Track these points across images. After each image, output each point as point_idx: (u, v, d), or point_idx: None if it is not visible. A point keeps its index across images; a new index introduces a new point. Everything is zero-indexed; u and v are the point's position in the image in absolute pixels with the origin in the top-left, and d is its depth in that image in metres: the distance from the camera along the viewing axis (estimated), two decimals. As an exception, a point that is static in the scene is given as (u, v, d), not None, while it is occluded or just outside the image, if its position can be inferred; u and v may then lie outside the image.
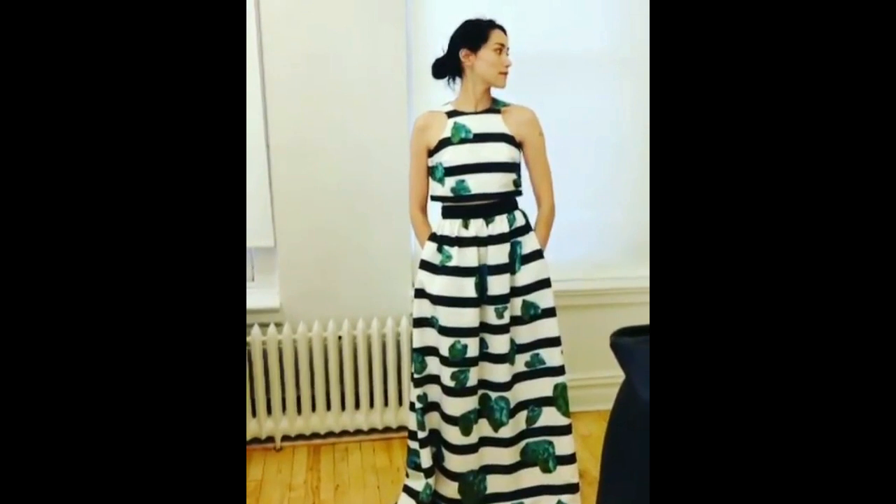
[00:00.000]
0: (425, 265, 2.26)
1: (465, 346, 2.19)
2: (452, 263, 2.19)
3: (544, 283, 2.26)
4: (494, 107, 2.25)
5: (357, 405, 2.90)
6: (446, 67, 2.25)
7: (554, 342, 2.28)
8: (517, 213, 2.25)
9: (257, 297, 2.89)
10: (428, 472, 2.25)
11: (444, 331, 2.20)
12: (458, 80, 2.25)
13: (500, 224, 2.20)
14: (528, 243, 2.24)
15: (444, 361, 2.22)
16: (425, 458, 2.25)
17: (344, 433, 2.93)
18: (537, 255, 2.26)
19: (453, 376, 2.20)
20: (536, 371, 2.29)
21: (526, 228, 2.25)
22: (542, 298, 2.26)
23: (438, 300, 2.21)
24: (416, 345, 2.29)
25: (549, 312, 2.28)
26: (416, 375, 2.27)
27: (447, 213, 2.23)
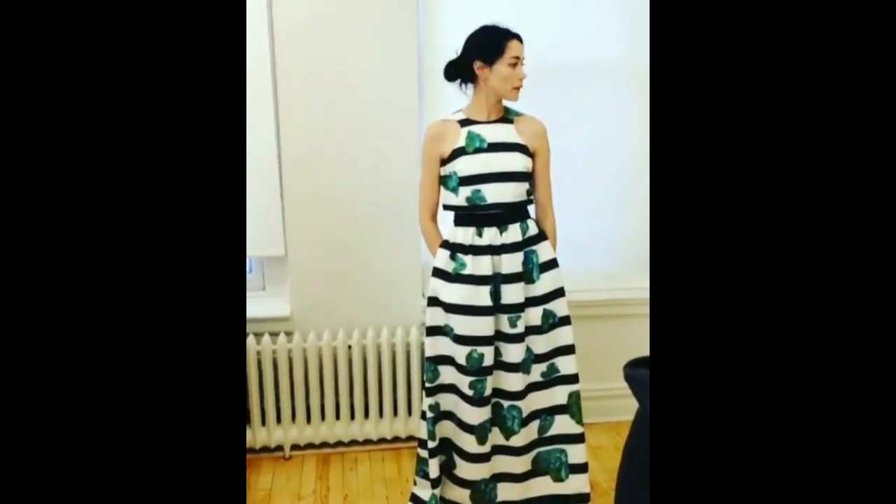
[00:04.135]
0: (438, 273, 2.25)
1: (482, 355, 2.18)
2: (467, 271, 2.18)
3: (560, 292, 2.28)
4: (507, 116, 2.25)
5: (366, 414, 2.90)
6: (459, 73, 2.23)
7: (569, 350, 2.29)
8: (529, 222, 2.25)
9: (268, 305, 2.90)
10: (435, 483, 2.25)
11: (460, 339, 2.20)
12: (469, 85, 2.23)
13: (514, 233, 2.20)
14: (544, 252, 2.25)
15: (462, 370, 2.21)
16: (433, 468, 2.24)
17: (353, 442, 2.93)
18: (553, 263, 2.27)
19: (471, 385, 2.20)
20: (551, 380, 2.29)
21: (539, 237, 2.26)
22: (559, 307, 2.28)
23: (454, 308, 2.20)
24: (428, 354, 2.27)
25: (565, 321, 2.29)
26: (428, 385, 2.26)
27: (460, 221, 2.23)
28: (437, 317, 2.26)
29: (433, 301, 2.26)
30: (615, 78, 2.97)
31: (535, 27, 2.82)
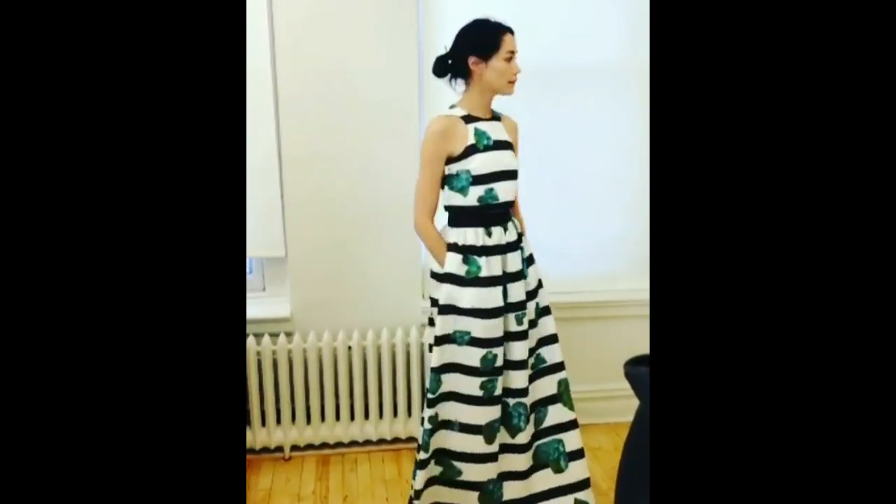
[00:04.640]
0: (450, 278, 2.16)
1: (495, 356, 2.17)
2: (484, 274, 2.14)
3: (541, 283, 2.31)
4: (496, 114, 2.26)
5: (366, 415, 2.91)
6: (450, 69, 2.19)
7: (553, 339, 2.31)
8: (515, 219, 2.27)
9: (268, 306, 2.90)
10: (418, 494, 2.23)
11: (477, 342, 2.16)
12: (459, 80, 2.20)
13: (512, 231, 2.21)
14: (527, 247, 2.28)
15: (474, 372, 2.18)
16: (420, 479, 2.21)
17: (353, 443, 2.93)
18: (532, 257, 2.30)
19: (482, 386, 2.18)
20: (539, 371, 2.30)
21: (521, 233, 2.29)
22: (542, 298, 2.31)
23: (471, 312, 2.15)
24: (435, 364, 2.18)
25: (547, 310, 2.32)
26: (430, 396, 2.19)
27: (467, 222, 2.18)
28: (452, 324, 2.18)
29: (448, 309, 2.16)
30: (615, 79, 2.97)
31: (534, 28, 2.83)
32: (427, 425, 2.21)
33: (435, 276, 2.24)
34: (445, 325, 2.17)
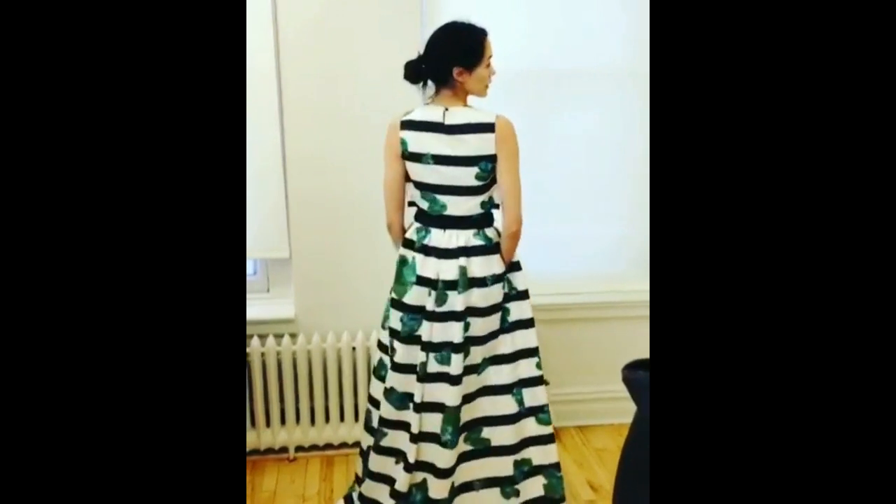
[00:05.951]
0: (519, 265, 2.36)
1: None
2: None
3: None
4: None
5: (370, 416, 2.91)
6: (429, 75, 2.17)
7: None
8: None
9: (272, 307, 2.91)
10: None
11: None
12: (429, 84, 2.19)
13: None
14: None
15: None
16: None
17: (357, 444, 2.93)
18: None
19: None
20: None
21: None
22: None
23: None
24: (536, 344, 2.36)
25: None
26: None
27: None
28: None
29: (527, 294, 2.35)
30: (613, 81, 2.96)
31: (536, 32, 2.83)
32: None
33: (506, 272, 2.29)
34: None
